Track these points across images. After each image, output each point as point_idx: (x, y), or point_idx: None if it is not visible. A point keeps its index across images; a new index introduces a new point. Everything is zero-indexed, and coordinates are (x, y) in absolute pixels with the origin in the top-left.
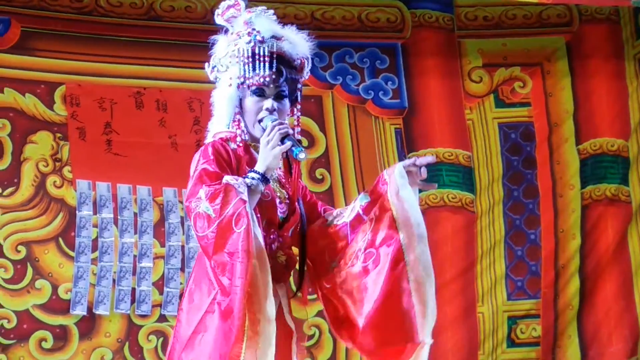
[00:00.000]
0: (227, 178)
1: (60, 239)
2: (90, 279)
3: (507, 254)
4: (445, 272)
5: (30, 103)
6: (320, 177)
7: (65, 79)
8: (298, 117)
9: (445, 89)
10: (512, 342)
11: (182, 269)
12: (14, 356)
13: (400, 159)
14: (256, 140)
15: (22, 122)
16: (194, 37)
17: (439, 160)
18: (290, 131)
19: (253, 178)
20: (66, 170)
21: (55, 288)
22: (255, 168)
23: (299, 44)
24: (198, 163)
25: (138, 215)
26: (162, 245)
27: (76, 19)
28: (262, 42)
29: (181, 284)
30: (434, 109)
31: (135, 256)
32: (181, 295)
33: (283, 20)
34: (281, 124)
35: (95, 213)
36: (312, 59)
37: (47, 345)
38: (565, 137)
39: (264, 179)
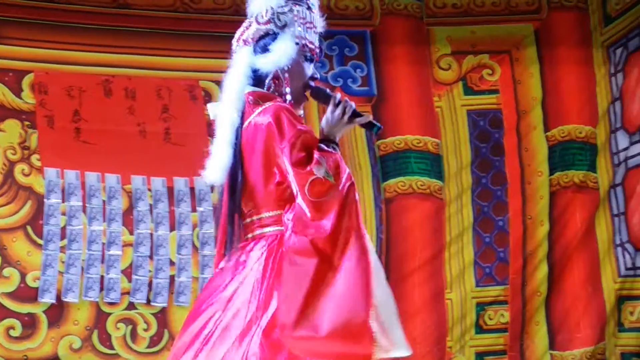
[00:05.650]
0: (330, 147)
1: (28, 227)
2: (58, 267)
3: (475, 241)
4: (414, 259)
5: None
6: None
7: (33, 67)
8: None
9: (414, 77)
10: (480, 329)
11: (151, 257)
12: None
13: (369, 146)
14: (297, 103)
15: None
16: (163, 25)
17: (408, 148)
18: (354, 106)
19: (334, 148)
20: (34, 159)
21: (23, 276)
22: (331, 138)
23: None
24: (290, 124)
25: (107, 203)
26: (131, 233)
27: (44, 7)
28: (324, 19)
29: (150, 271)
30: (403, 96)
31: (103, 244)
32: (149, 283)
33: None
34: (347, 100)
35: (63, 201)
36: None
37: (16, 333)
38: (533, 124)
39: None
